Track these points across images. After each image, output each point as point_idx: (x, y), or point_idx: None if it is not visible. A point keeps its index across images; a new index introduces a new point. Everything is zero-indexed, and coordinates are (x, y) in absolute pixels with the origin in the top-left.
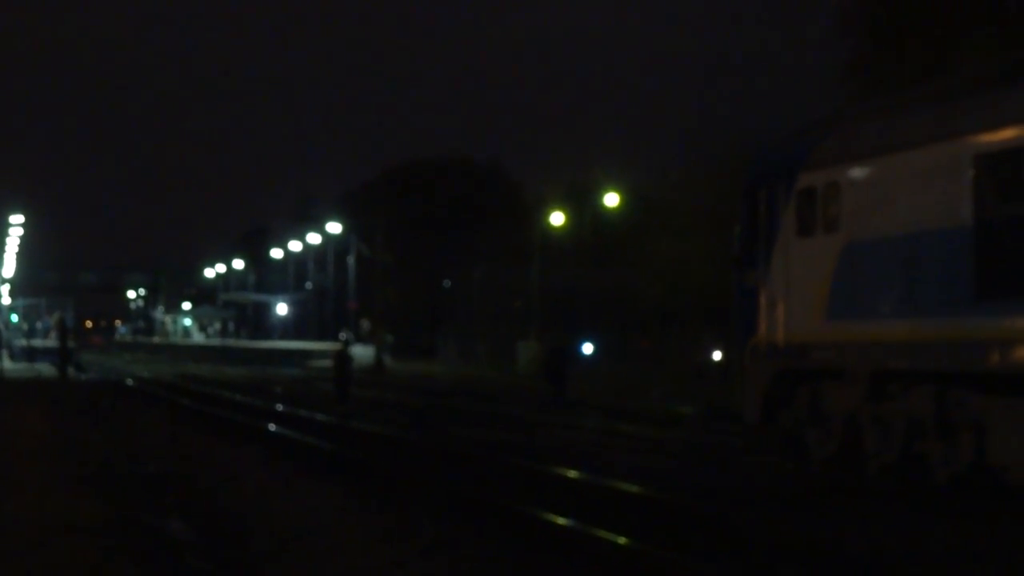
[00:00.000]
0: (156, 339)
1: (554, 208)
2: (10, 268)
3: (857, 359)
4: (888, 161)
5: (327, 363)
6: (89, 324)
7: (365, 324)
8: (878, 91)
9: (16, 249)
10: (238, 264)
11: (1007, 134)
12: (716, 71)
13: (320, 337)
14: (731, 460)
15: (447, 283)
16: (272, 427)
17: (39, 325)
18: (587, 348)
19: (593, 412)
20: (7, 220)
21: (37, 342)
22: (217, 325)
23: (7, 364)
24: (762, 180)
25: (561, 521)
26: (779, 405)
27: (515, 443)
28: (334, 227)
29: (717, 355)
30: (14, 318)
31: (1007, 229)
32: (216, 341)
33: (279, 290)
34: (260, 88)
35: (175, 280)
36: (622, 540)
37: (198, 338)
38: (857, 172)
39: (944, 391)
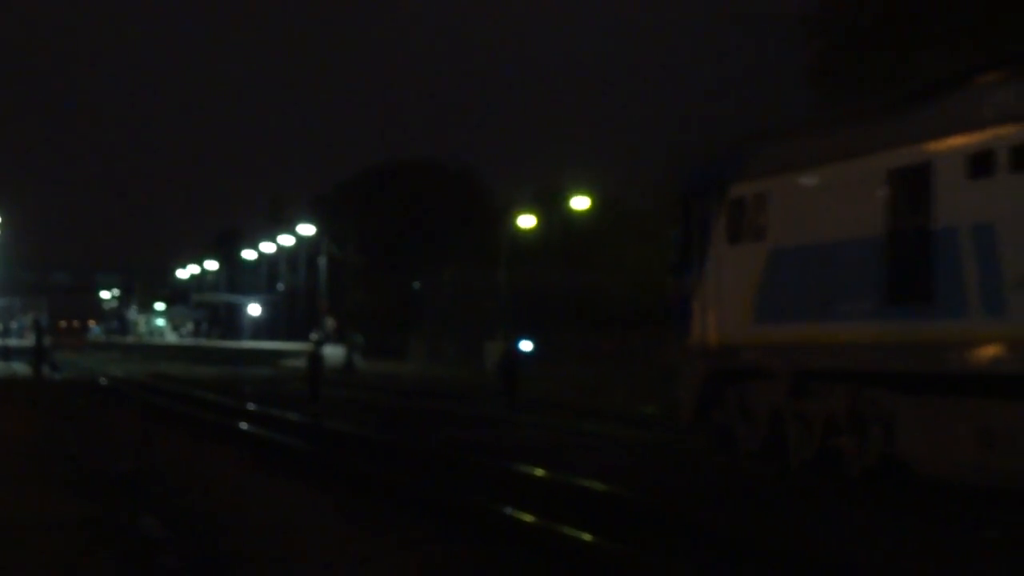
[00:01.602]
0: (129, 339)
1: (523, 211)
2: None
3: (781, 360)
4: (810, 175)
5: (298, 363)
6: (63, 324)
7: (330, 323)
8: (842, 94)
9: None
10: (211, 265)
11: (915, 151)
12: (685, 77)
13: (291, 337)
14: (689, 459)
15: (417, 285)
16: (244, 426)
17: (14, 325)
18: (526, 345)
19: (560, 411)
20: None
21: (12, 342)
22: (190, 325)
23: None
24: (696, 191)
25: (527, 518)
26: (711, 403)
27: (482, 442)
28: (306, 229)
29: None
30: None
31: (914, 240)
32: (189, 341)
33: (251, 291)
34: (233, 90)
35: (148, 281)
36: (587, 537)
37: (171, 338)
38: (782, 184)
39: (858, 390)
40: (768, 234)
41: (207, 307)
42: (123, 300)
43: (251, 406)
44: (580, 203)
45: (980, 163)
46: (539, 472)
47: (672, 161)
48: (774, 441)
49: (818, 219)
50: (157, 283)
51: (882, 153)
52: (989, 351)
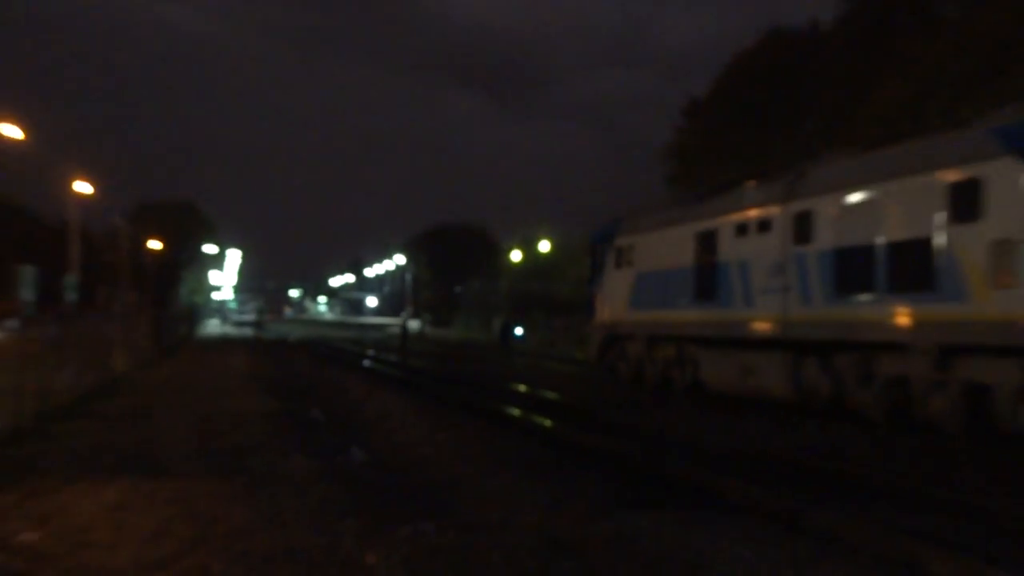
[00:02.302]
0: (305, 317)
1: (513, 248)
2: (233, 279)
3: (642, 330)
4: (655, 234)
5: (395, 330)
6: (271, 309)
7: (409, 309)
8: (684, 190)
9: (236, 268)
10: (349, 278)
11: (709, 223)
12: (602, 177)
13: (392, 316)
14: (596, 381)
15: (458, 288)
16: (366, 363)
17: (246, 308)
18: (519, 331)
19: (531, 357)
20: (224, 254)
21: (245, 317)
22: (338, 309)
23: (230, 329)
24: (599, 241)
25: (516, 411)
26: (606, 352)
27: (490, 371)
28: (399, 259)
29: None
30: (233, 305)
31: (708, 268)
32: (337, 318)
33: (370, 291)
34: (362, 170)
35: (315, 285)
36: (547, 422)
37: (328, 316)
38: (641, 239)
39: (682, 344)
40: (635, 264)
41: (347, 299)
42: (302, 295)
43: (370, 352)
44: (544, 245)
45: (741, 229)
46: (521, 387)
47: (591, 224)
48: (638, 372)
49: (660, 257)
50: (320, 287)
51: (692, 223)
52: (745, 326)
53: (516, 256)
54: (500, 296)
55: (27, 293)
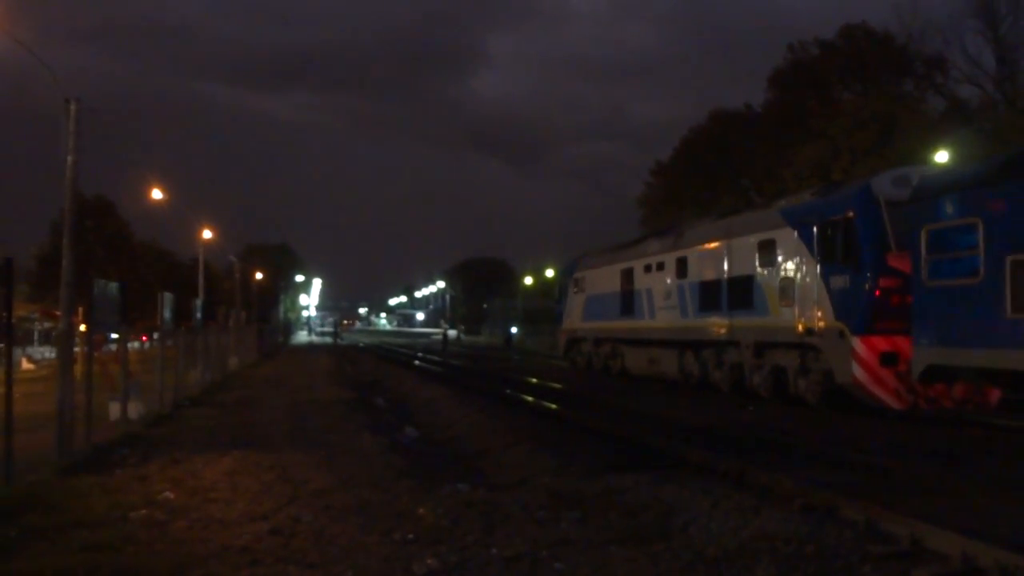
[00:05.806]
0: (370, 328)
1: (526, 275)
2: (316, 300)
3: (590, 334)
4: (598, 270)
5: (438, 337)
6: (344, 322)
7: (444, 322)
8: (655, 227)
9: (318, 292)
10: (403, 298)
11: (629, 263)
12: (590, 224)
13: (435, 326)
14: (568, 369)
15: (485, 305)
16: (417, 362)
17: (326, 322)
18: (514, 330)
19: (534, 356)
20: (310, 282)
21: (326, 329)
22: (395, 322)
23: (314, 338)
24: (565, 273)
25: (529, 398)
26: (569, 349)
27: (507, 367)
28: (441, 284)
29: None
30: (316, 320)
31: (629, 293)
32: (395, 329)
33: (419, 308)
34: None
35: (377, 304)
36: (553, 406)
37: (388, 327)
38: (590, 273)
39: (615, 344)
40: (586, 290)
41: (402, 314)
42: (368, 312)
43: (419, 354)
44: (549, 272)
45: (647, 267)
46: (532, 379)
47: (565, 259)
48: (589, 362)
49: (600, 285)
50: (381, 304)
51: (619, 263)
52: (652, 331)
53: (528, 281)
54: (517, 311)
55: (167, 313)
